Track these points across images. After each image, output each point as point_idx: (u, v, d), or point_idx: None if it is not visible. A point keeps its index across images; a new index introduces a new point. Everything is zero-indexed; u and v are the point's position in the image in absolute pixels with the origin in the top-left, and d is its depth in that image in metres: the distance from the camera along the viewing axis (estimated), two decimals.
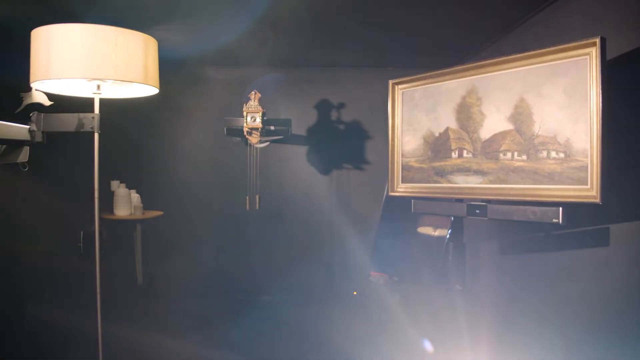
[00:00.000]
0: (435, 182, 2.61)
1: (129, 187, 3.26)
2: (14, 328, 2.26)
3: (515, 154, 2.27)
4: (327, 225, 4.01)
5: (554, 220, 2.11)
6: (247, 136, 3.59)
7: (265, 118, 3.58)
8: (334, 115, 4.10)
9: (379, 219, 4.05)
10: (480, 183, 2.40)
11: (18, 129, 1.93)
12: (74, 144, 2.41)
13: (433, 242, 3.98)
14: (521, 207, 2.21)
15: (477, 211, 2.39)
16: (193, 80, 3.88)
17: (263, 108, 3.56)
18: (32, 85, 1.80)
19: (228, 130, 3.44)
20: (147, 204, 3.35)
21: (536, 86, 2.19)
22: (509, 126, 2.30)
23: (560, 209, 2.07)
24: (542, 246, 2.68)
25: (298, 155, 4.07)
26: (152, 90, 1.90)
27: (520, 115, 2.25)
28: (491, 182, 2.36)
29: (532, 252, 2.84)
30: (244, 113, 3.58)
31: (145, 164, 3.66)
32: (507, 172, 2.30)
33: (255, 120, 3.57)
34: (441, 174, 2.58)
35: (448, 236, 3.71)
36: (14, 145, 2.12)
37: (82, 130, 1.87)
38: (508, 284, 3.14)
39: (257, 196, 3.64)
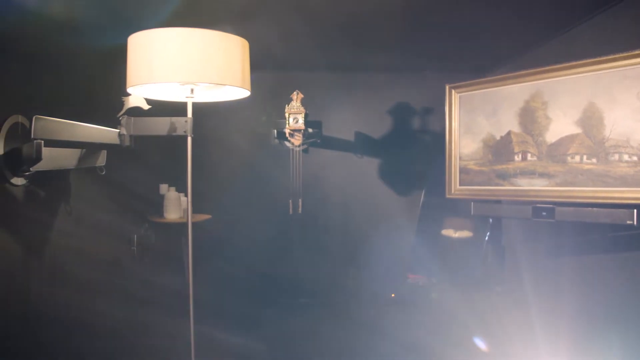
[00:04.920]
0: (497, 184, 2.65)
1: (177, 190, 3.24)
2: (78, 326, 2.24)
3: (585, 157, 2.31)
4: (365, 227, 4.03)
5: (628, 222, 2.15)
6: (289, 138, 3.59)
7: (308, 119, 3.59)
8: (372, 118, 4.12)
9: (417, 222, 4.09)
10: (546, 186, 2.44)
11: (108, 133, 1.92)
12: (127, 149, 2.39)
13: (469, 244, 4.03)
14: (593, 209, 2.25)
15: (544, 213, 2.43)
16: None
17: (305, 109, 3.57)
18: (128, 90, 1.79)
19: (278, 133, 3.44)
20: (194, 208, 3.33)
21: (607, 91, 2.23)
22: (576, 130, 2.34)
23: (635, 211, 2.12)
24: (595, 248, 2.72)
25: (336, 159, 4.08)
26: (244, 93, 1.91)
27: (590, 120, 2.29)
28: (558, 184, 2.40)
29: (582, 254, 2.88)
30: (286, 114, 3.59)
31: (193, 166, 3.63)
32: (576, 175, 2.34)
33: (297, 121, 3.57)
34: (503, 176, 2.62)
35: (487, 238, 3.76)
36: (94, 148, 2.11)
37: (174, 134, 1.87)
38: (552, 286, 3.17)
39: (300, 200, 3.65)
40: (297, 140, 3.59)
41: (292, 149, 3.66)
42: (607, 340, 2.47)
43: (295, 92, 3.57)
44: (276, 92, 3.70)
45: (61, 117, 1.83)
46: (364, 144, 4.12)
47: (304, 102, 3.60)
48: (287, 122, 3.55)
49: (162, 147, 3.21)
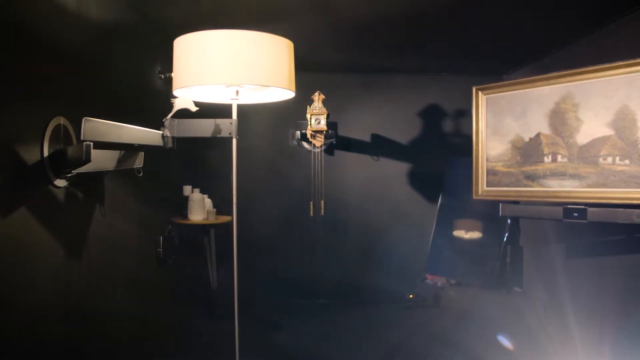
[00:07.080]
0: (526, 186, 2.66)
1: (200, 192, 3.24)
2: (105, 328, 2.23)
3: (617, 158, 2.33)
4: (384, 229, 4.04)
5: None
6: (311, 139, 3.59)
7: (329, 120, 3.59)
8: (389, 120, 4.13)
9: (434, 223, 4.10)
10: (577, 187, 2.46)
11: (151, 134, 1.91)
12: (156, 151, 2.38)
13: (486, 245, 4.05)
14: (627, 210, 2.27)
15: (576, 214, 2.44)
16: None
17: (327, 110, 3.57)
18: (174, 92, 1.79)
19: (302, 135, 3.44)
20: (218, 210, 3.33)
21: None
22: (608, 132, 2.35)
23: None
24: (620, 249, 2.74)
25: (354, 161, 4.09)
26: (289, 94, 1.91)
27: (623, 122, 2.30)
28: (589, 185, 2.42)
29: (603, 255, 2.89)
30: (308, 116, 3.59)
31: (213, 168, 3.62)
32: (607, 176, 2.35)
33: (319, 122, 3.58)
34: (532, 178, 2.63)
35: (505, 239, 3.78)
36: (133, 150, 2.11)
37: (218, 135, 1.87)
38: (571, 287, 3.18)
39: (322, 201, 3.65)
40: (319, 141, 3.60)
41: (313, 151, 3.67)
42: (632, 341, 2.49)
43: (316, 93, 3.57)
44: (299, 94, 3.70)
45: (99, 118, 1.83)
46: (380, 146, 4.13)
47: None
48: (309, 123, 3.55)
49: (188, 150, 3.20)
